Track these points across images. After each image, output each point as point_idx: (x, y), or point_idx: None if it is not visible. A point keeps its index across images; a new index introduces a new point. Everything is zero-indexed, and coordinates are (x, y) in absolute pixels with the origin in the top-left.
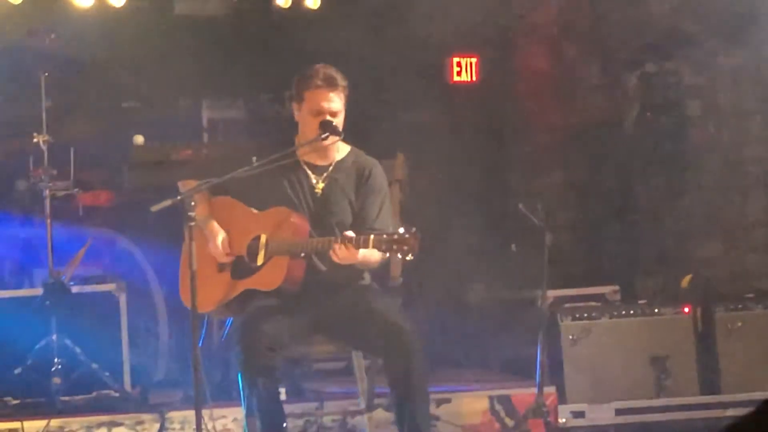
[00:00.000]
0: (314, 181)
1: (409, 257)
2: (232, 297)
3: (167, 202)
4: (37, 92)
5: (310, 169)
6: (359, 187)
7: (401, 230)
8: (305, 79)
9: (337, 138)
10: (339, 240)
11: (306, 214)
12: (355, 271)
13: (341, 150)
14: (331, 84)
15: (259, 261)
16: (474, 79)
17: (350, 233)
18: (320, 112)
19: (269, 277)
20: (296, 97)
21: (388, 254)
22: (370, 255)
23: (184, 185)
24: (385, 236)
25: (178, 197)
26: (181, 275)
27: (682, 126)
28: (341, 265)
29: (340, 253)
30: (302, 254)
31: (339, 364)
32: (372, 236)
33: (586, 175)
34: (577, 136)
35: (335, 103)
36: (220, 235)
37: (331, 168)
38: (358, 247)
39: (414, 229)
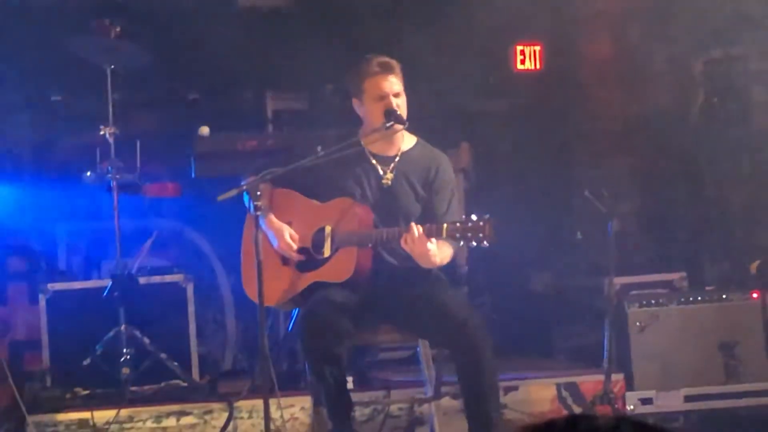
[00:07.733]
0: (381, 171)
1: (485, 244)
2: (299, 290)
3: (233, 192)
4: (103, 86)
5: (376, 160)
6: (427, 181)
7: (474, 217)
8: (360, 70)
9: (402, 126)
10: (410, 229)
11: (371, 205)
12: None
13: (407, 140)
14: (386, 68)
15: (326, 252)
16: (538, 66)
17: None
18: (383, 96)
19: (338, 268)
20: (355, 90)
21: (462, 243)
22: (442, 253)
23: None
24: (458, 224)
25: (244, 186)
26: (243, 268)
27: (748, 112)
28: (410, 259)
29: (412, 242)
30: (370, 245)
31: (405, 353)
32: (445, 225)
33: (651, 161)
34: (642, 122)
35: (395, 85)
36: (287, 231)
37: (397, 158)
38: (430, 236)
39: (487, 216)
